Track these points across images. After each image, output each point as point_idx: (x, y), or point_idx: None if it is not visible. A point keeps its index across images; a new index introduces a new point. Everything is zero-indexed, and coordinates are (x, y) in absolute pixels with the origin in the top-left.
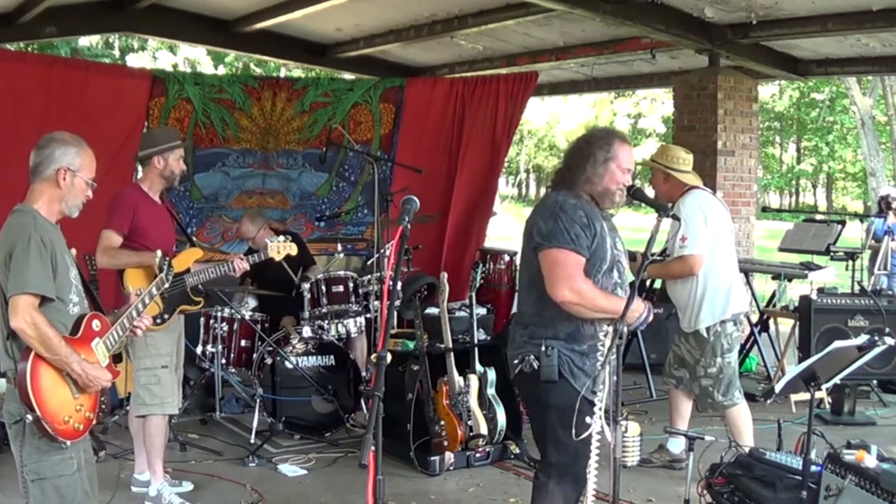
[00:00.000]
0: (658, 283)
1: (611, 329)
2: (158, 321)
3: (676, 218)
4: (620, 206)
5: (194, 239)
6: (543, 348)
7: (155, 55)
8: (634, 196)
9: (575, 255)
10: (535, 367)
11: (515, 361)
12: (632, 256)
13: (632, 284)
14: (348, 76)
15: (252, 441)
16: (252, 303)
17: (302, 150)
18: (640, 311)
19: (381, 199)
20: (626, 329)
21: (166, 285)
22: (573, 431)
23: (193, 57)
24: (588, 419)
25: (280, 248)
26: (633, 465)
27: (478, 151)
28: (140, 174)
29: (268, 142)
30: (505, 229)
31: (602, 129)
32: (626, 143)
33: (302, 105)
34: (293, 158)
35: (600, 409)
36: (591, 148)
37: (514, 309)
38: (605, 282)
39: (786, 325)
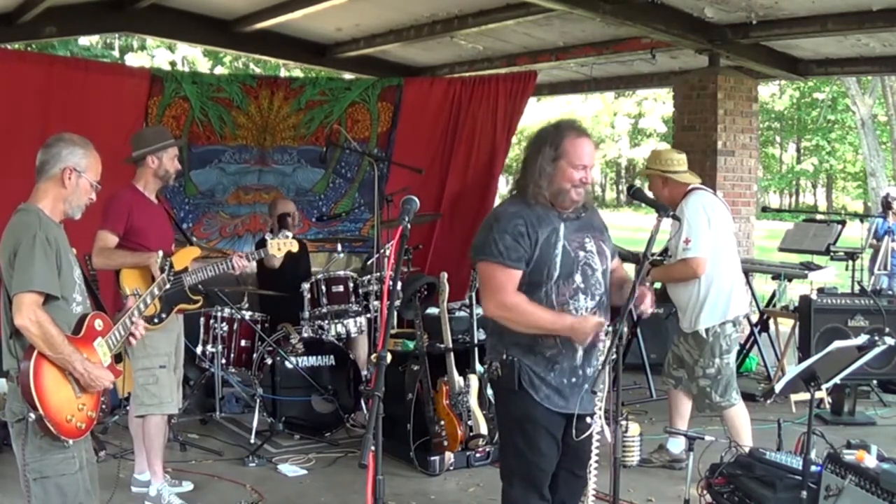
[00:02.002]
0: (658, 283)
1: (611, 329)
2: (155, 321)
3: (677, 218)
4: (580, 204)
5: (193, 238)
6: (504, 357)
7: (152, 53)
8: (634, 196)
9: (503, 268)
10: (499, 374)
11: (485, 366)
12: (635, 259)
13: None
14: (348, 76)
15: (252, 441)
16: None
17: (297, 146)
18: (587, 330)
19: (381, 198)
20: (625, 329)
21: (168, 285)
22: (532, 443)
23: (191, 57)
24: (589, 419)
25: (280, 246)
26: (632, 465)
27: (476, 151)
28: (135, 175)
29: (264, 138)
30: None
31: (552, 125)
32: (580, 135)
33: (299, 103)
34: (288, 154)
35: (600, 408)
36: (540, 146)
37: None
38: (563, 289)
39: (786, 325)
